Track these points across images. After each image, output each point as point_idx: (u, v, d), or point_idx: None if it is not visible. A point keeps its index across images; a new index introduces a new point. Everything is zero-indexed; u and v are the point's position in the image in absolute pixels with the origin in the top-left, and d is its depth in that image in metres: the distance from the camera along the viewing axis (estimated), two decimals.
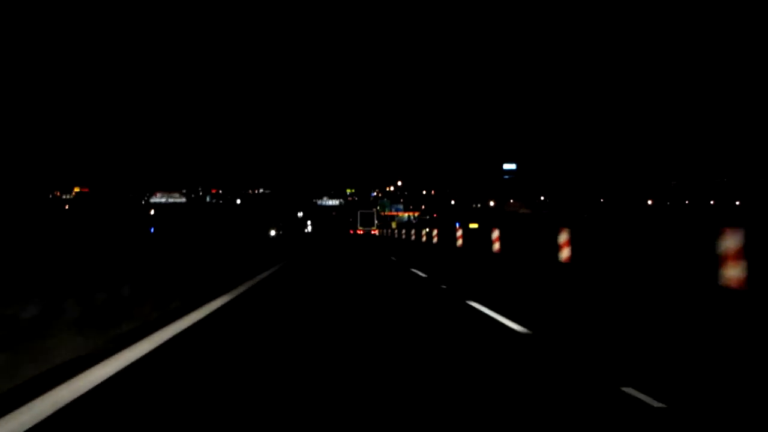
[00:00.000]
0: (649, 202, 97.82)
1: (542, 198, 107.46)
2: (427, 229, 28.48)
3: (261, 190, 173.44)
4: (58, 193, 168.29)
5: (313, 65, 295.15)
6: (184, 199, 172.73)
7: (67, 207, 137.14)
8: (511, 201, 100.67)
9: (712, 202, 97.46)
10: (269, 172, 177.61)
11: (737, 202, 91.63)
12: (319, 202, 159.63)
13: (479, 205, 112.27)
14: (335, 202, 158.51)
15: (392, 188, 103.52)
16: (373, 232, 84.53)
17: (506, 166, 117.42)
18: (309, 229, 79.61)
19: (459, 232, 23.15)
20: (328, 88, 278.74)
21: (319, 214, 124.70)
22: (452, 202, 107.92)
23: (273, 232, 44.25)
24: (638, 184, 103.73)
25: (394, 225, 77.92)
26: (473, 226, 30.40)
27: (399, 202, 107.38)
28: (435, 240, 27.11)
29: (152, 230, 41.93)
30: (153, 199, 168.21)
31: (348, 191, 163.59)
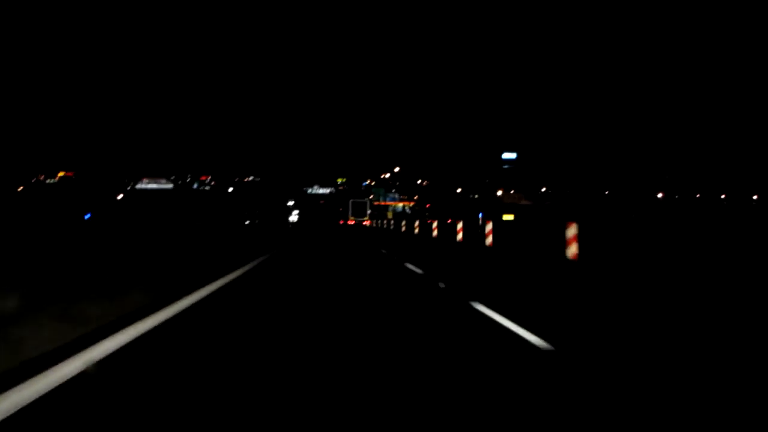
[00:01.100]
0: (660, 195, 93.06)
1: (544, 189, 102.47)
2: (462, 222, 21.71)
3: (251, 178, 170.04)
4: (42, 177, 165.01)
5: (305, 52, 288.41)
6: (171, 186, 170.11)
7: (20, 189, 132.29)
8: (512, 192, 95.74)
9: (723, 196, 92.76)
10: (260, 159, 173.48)
11: (755, 197, 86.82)
12: (309, 190, 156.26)
13: (477, 196, 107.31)
14: (326, 190, 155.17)
15: (388, 175, 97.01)
16: (365, 223, 79.46)
17: (505, 156, 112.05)
18: (294, 218, 72.78)
19: (571, 231, 12.41)
20: (321, 75, 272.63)
21: (307, 203, 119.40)
22: (458, 190, 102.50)
23: (247, 223, 38.95)
24: (646, 177, 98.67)
25: (390, 215, 72.79)
26: (508, 217, 26.35)
27: (392, 192, 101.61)
28: (488, 241, 18.59)
29: (88, 217, 36.02)
30: (139, 185, 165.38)
31: (339, 180, 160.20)
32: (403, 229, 35.86)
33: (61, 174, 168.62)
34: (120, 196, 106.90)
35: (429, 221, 28.86)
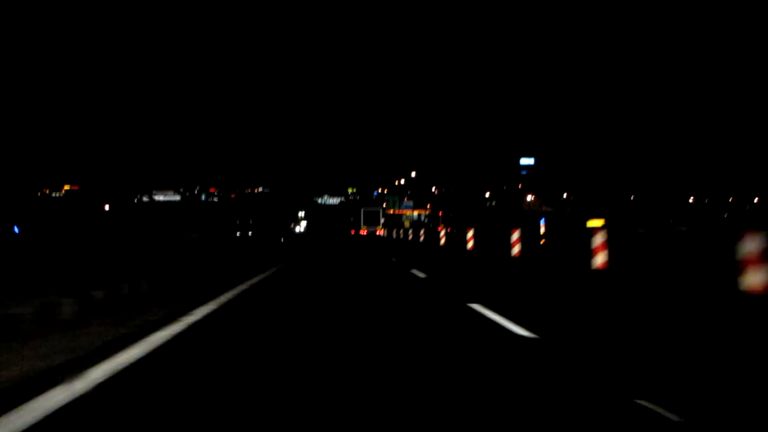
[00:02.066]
0: (691, 199, 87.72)
1: (565, 195, 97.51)
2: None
3: (261, 189, 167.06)
4: (48, 191, 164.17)
5: (315, 60, 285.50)
6: (178, 197, 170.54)
7: None
8: (533, 198, 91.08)
9: (756, 200, 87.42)
10: (270, 170, 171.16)
11: None
12: (319, 200, 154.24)
13: (494, 203, 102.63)
14: (336, 200, 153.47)
15: (403, 181, 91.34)
16: (378, 233, 75.01)
17: (523, 161, 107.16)
18: (300, 229, 67.28)
19: None
20: (331, 83, 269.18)
21: (317, 213, 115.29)
22: (487, 194, 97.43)
23: (237, 234, 33.82)
24: (675, 180, 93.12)
25: (407, 224, 68.19)
26: (595, 223, 22.29)
27: (405, 199, 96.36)
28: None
29: (16, 230, 31.47)
30: (145, 197, 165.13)
31: (350, 190, 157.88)
32: (443, 241, 25.41)
33: (66, 187, 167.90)
34: (107, 207, 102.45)
35: (491, 231, 21.99)
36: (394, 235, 52.79)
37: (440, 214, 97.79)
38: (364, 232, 78.72)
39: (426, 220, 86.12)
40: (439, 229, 32.50)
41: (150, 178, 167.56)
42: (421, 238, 29.37)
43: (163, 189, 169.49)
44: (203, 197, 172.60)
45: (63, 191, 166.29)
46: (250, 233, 37.71)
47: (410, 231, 44.18)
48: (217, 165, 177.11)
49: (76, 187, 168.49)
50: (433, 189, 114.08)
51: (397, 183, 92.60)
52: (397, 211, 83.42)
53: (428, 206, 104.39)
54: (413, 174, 78.85)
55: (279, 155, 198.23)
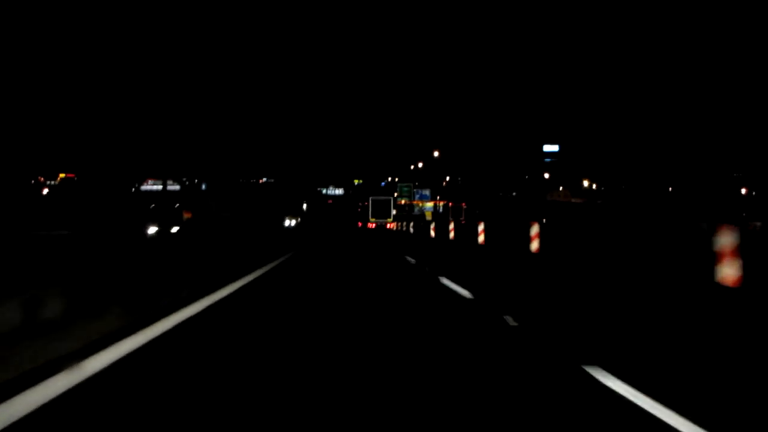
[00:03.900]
0: (744, 191, 78.72)
1: (593, 186, 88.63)
2: None
3: (264, 179, 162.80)
4: (42, 179, 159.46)
5: (318, 44, 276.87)
6: (177, 187, 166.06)
7: None
8: (560, 188, 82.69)
9: None
10: (274, 160, 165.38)
11: None
12: (324, 191, 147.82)
13: (515, 193, 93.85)
14: (341, 191, 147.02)
15: (421, 165, 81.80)
16: (388, 227, 66.58)
17: (547, 148, 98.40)
18: (292, 223, 57.84)
19: None
20: (336, 68, 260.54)
21: (316, 204, 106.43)
22: (536, 177, 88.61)
23: (153, 230, 24.98)
24: (721, 169, 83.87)
25: (429, 216, 59.54)
26: None
27: (418, 188, 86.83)
28: None
29: None
30: (144, 187, 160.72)
31: (356, 182, 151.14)
32: (481, 239, 16.43)
33: (61, 176, 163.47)
34: (45, 191, 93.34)
35: None
36: (439, 234, 39.69)
37: (450, 204, 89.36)
38: (372, 225, 70.65)
39: (442, 212, 77.36)
40: (450, 221, 29.43)
41: (145, 167, 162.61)
42: (451, 235, 25.95)
43: (161, 178, 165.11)
44: (203, 187, 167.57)
45: (58, 179, 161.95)
46: (176, 228, 27.57)
47: (433, 226, 34.62)
48: (219, 155, 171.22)
49: (71, 175, 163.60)
50: (447, 178, 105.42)
51: (412, 168, 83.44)
52: (415, 201, 74.97)
53: (437, 197, 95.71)
54: (436, 154, 68.93)
55: (284, 146, 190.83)
